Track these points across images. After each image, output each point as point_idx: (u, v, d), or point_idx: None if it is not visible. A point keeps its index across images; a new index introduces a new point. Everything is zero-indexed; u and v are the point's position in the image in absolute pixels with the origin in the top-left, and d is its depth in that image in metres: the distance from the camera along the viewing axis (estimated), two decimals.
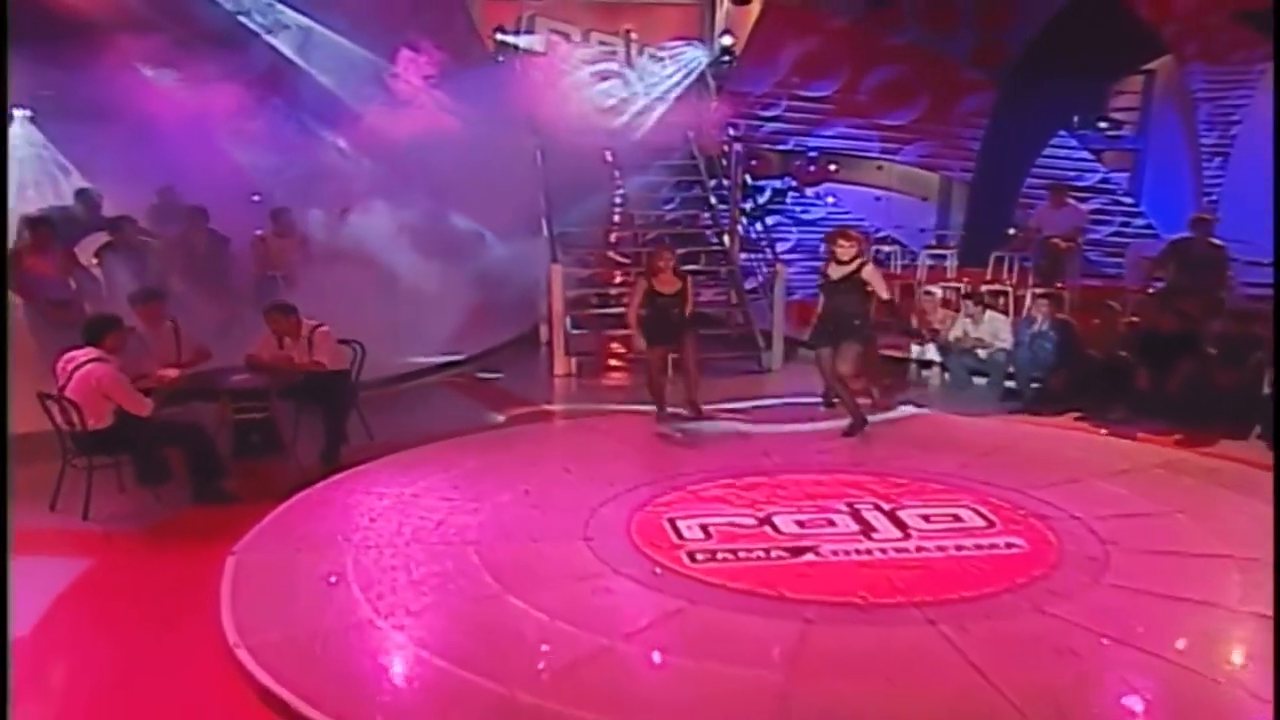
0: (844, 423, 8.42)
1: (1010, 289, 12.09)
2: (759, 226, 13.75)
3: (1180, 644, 4.76)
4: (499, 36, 15.21)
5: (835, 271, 8.15)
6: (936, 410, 9.49)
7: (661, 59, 15.55)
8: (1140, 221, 15.05)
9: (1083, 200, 14.40)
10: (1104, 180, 15.43)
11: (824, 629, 4.91)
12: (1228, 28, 13.59)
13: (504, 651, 4.66)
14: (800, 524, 6.24)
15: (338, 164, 12.85)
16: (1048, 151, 15.34)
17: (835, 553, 5.84)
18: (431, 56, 13.14)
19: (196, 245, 10.57)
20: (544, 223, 11.91)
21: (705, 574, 5.54)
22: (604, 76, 15.24)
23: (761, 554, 5.82)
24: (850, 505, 6.54)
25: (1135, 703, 4.31)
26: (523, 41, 15.27)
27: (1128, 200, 15.48)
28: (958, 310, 10.95)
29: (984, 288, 11.81)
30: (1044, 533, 6.12)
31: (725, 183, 13.63)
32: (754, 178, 15.14)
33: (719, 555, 5.80)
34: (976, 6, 14.76)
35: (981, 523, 6.29)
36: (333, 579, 5.44)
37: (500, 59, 15.02)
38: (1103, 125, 15.41)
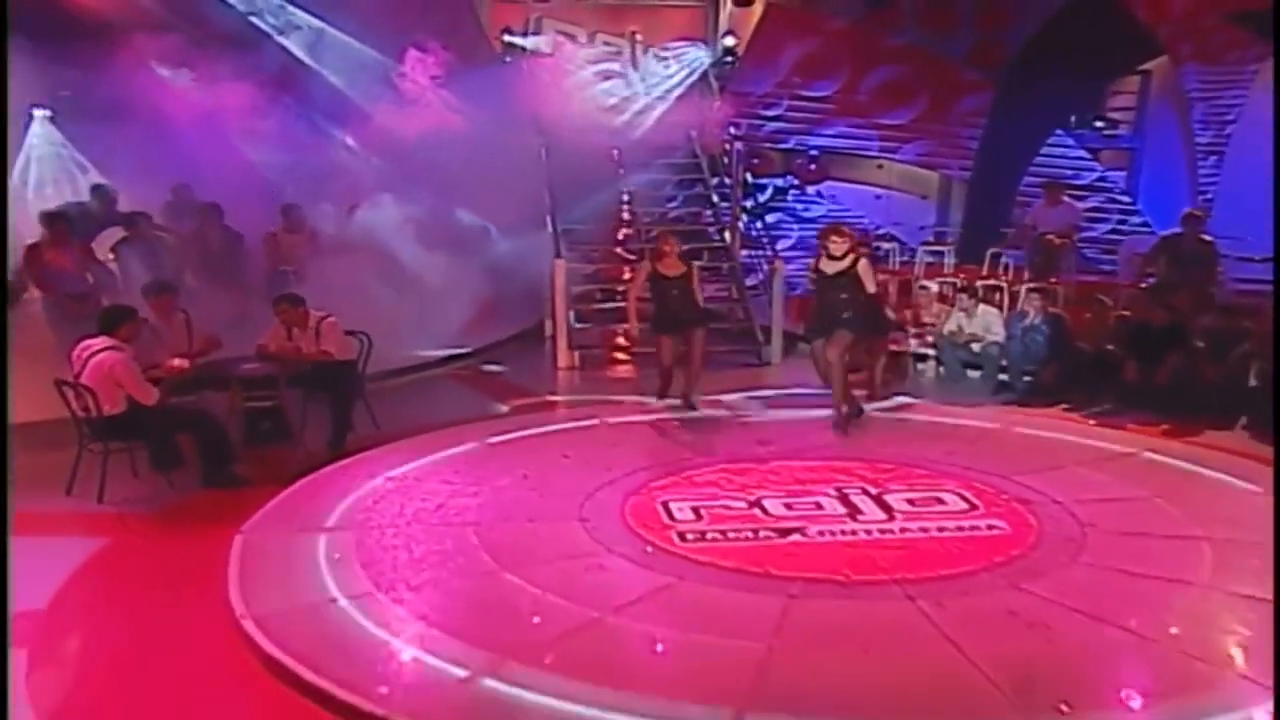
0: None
1: (1005, 284, 12.19)
2: (760, 224, 13.86)
3: (1149, 619, 4.86)
4: (506, 38, 15.36)
5: (829, 267, 8.17)
6: (929, 402, 9.58)
7: (665, 59, 15.67)
8: (1136, 219, 15.10)
9: (1080, 198, 14.51)
10: (1101, 179, 15.51)
11: (806, 604, 5.05)
12: (1222, 29, 13.67)
13: (498, 623, 4.82)
14: (789, 507, 6.38)
15: (347, 162, 13.02)
16: (1045, 150, 15.38)
17: (821, 533, 5.98)
18: (438, 57, 13.29)
19: (210, 241, 10.76)
20: (548, 219, 12.06)
21: (695, 553, 5.69)
22: (606, 76, 15.38)
23: (750, 534, 5.96)
24: (838, 489, 6.67)
25: (1101, 671, 4.42)
26: (529, 42, 15.41)
27: (1124, 198, 15.56)
28: (952, 305, 11.07)
29: (979, 283, 11.92)
30: (1025, 516, 6.24)
31: (727, 181, 13.75)
32: (755, 176, 15.23)
33: (709, 535, 5.94)
34: (975, 8, 14.82)
35: (964, 506, 6.42)
36: (336, 556, 5.61)
37: (507, 59, 15.16)
38: (1099, 124, 15.47)
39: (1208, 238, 11.34)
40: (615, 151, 14.45)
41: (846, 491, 6.63)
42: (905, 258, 14.36)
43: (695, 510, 6.31)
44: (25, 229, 10.21)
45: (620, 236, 13.65)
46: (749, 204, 14.19)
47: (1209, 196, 14.20)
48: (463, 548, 5.75)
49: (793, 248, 14.84)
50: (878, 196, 16.02)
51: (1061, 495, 6.56)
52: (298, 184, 11.65)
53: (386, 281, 10.72)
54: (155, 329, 8.00)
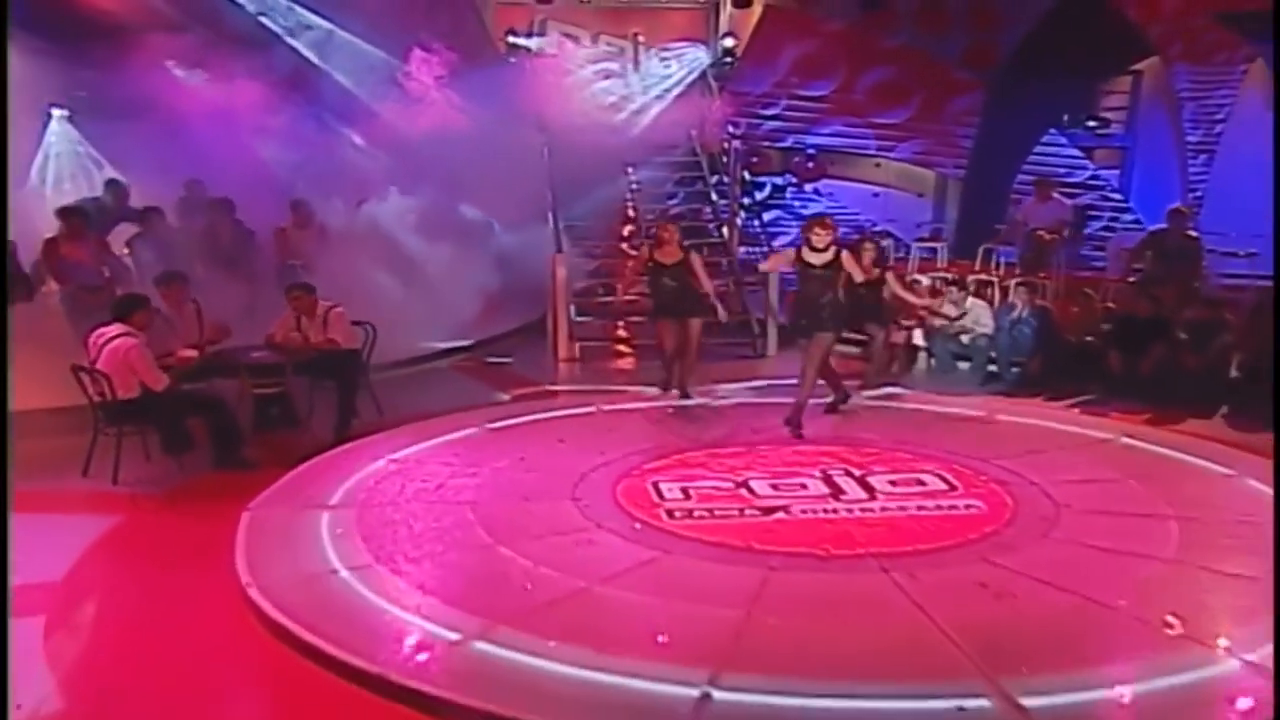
0: (827, 399, 8.70)
1: (996, 279, 12.35)
2: (758, 221, 14.03)
3: (1112, 590, 5.00)
4: (510, 39, 15.55)
5: (813, 258, 8.08)
6: (919, 391, 9.72)
7: (666, 60, 15.85)
8: (1129, 217, 15.23)
9: (1072, 196, 14.65)
10: (1093, 177, 15.65)
11: (785, 575, 5.22)
12: (1211, 29, 13.79)
13: (491, 591, 5.00)
14: (775, 487, 6.54)
15: (354, 159, 13.22)
16: (1038, 149, 15.54)
17: (804, 511, 6.15)
18: (443, 57, 13.50)
19: (221, 235, 10.96)
20: (550, 215, 12.24)
21: (681, 529, 5.87)
22: (607, 75, 15.56)
23: (735, 512, 6.13)
24: (823, 471, 6.84)
25: (1061, 637, 4.57)
26: (533, 43, 15.59)
27: (1116, 196, 15.69)
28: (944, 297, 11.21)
29: (970, 278, 12.07)
30: (1002, 496, 6.40)
31: (726, 179, 13.92)
32: (754, 174, 15.41)
33: (696, 513, 6.11)
34: (967, 9, 14.99)
35: (944, 487, 6.57)
36: (339, 531, 5.79)
37: (511, 60, 15.35)
38: (1091, 124, 15.61)
39: (1193, 233, 11.46)
40: (623, 153, 14.66)
41: (831, 473, 6.80)
42: (901, 254, 14.51)
43: (684, 490, 6.48)
44: (43, 224, 10.45)
45: (625, 233, 13.83)
46: (747, 201, 14.34)
47: (1199, 194, 14.33)
48: (459, 524, 5.93)
49: (791, 244, 14.96)
50: (875, 194, 16.20)
51: (1039, 477, 6.71)
52: (307, 180, 11.81)
53: (392, 275, 10.91)
54: (167, 318, 8.22)
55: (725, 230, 13.40)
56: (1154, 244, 11.40)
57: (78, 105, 12.58)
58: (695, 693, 4.05)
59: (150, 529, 6.36)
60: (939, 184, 16.18)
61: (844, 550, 5.54)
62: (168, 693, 4.34)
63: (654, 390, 9.19)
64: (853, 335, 10.01)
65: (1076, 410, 9.00)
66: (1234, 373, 9.34)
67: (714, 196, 14.04)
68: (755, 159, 15.44)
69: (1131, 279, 11.26)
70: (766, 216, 15.17)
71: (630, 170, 14.46)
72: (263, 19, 13.20)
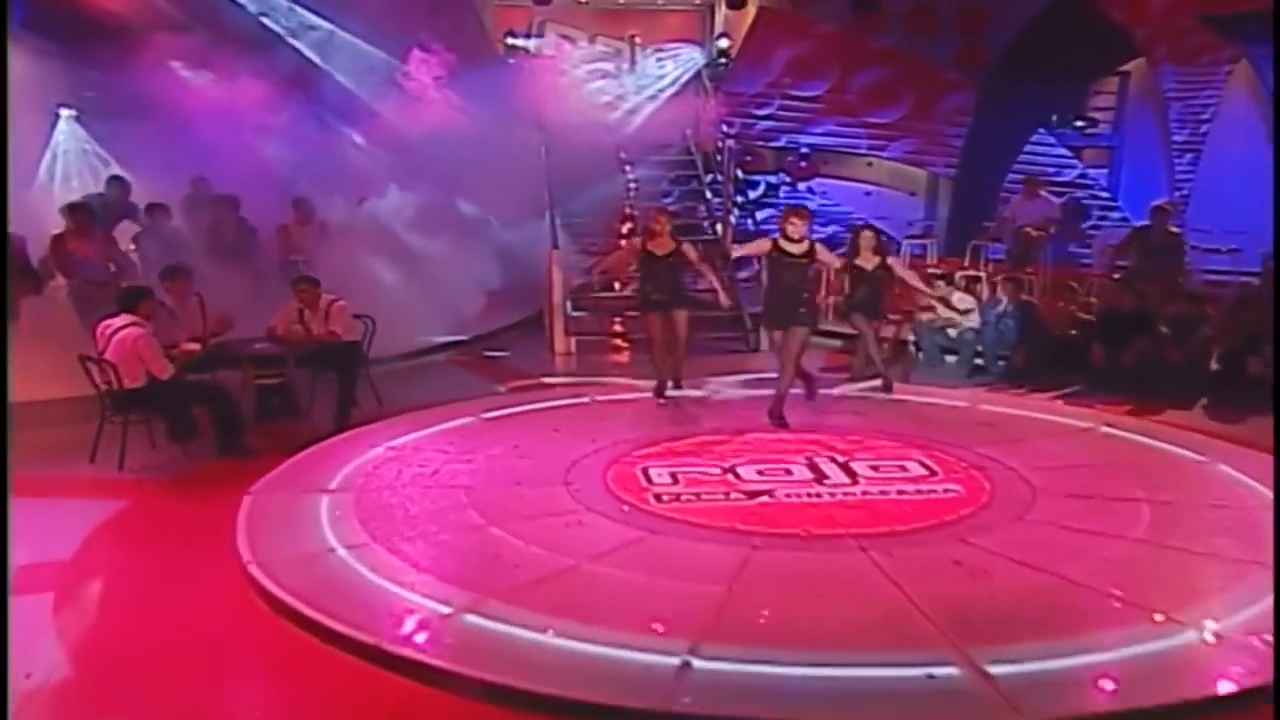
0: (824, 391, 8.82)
1: (984, 275, 12.47)
2: (752, 219, 14.15)
3: (1080, 567, 5.15)
4: (508, 40, 15.69)
5: (789, 248, 8.02)
6: (908, 383, 9.83)
7: (662, 61, 15.99)
8: (1117, 215, 15.38)
9: (1061, 195, 14.80)
10: (1082, 175, 15.79)
11: (767, 554, 5.35)
12: (1196, 31, 13.94)
13: (482, 569, 5.15)
14: (760, 473, 6.67)
15: (355, 157, 13.35)
16: (1028, 148, 15.70)
17: (788, 495, 6.28)
18: (442, 58, 13.64)
19: (225, 231, 11.10)
20: (547, 212, 12.38)
21: (668, 511, 6.00)
22: (603, 76, 15.70)
23: (721, 496, 6.27)
24: (808, 458, 6.97)
25: (1029, 610, 4.71)
26: (531, 45, 15.74)
27: (1104, 194, 15.83)
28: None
29: (958, 274, 12.19)
30: (980, 481, 6.53)
31: (720, 177, 14.06)
32: (748, 172, 15.53)
33: (683, 497, 6.24)
34: (957, 11, 15.16)
35: (924, 472, 6.71)
36: (337, 513, 5.93)
37: (510, 61, 15.49)
38: (1080, 123, 15.77)
39: (1175, 230, 11.60)
40: (620, 151, 14.80)
41: (815, 460, 6.93)
42: (893, 251, 14.62)
43: (673, 475, 6.62)
44: (51, 221, 10.60)
45: (624, 230, 13.97)
46: (741, 199, 14.47)
47: (1185, 193, 14.47)
48: (453, 507, 6.07)
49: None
50: (867, 193, 16.34)
51: (1018, 463, 6.85)
52: (308, 178, 11.91)
53: (391, 271, 11.04)
54: (171, 311, 8.34)
55: (719, 228, 13.53)
56: (1138, 240, 11.53)
57: (85, 105, 12.71)
58: (676, 661, 4.18)
59: (155, 512, 6.50)
60: (930, 182, 16.32)
61: (825, 531, 5.68)
62: (170, 663, 4.48)
63: (646, 383, 9.25)
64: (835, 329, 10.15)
65: (1060, 401, 9.11)
66: (1214, 365, 9.48)
67: (708, 195, 14.19)
68: (749, 158, 15.58)
69: (1116, 274, 11.40)
70: (760, 215, 15.25)
71: (628, 169, 14.60)
72: (265, 20, 13.31)
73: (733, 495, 6.28)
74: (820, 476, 6.61)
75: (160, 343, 7.54)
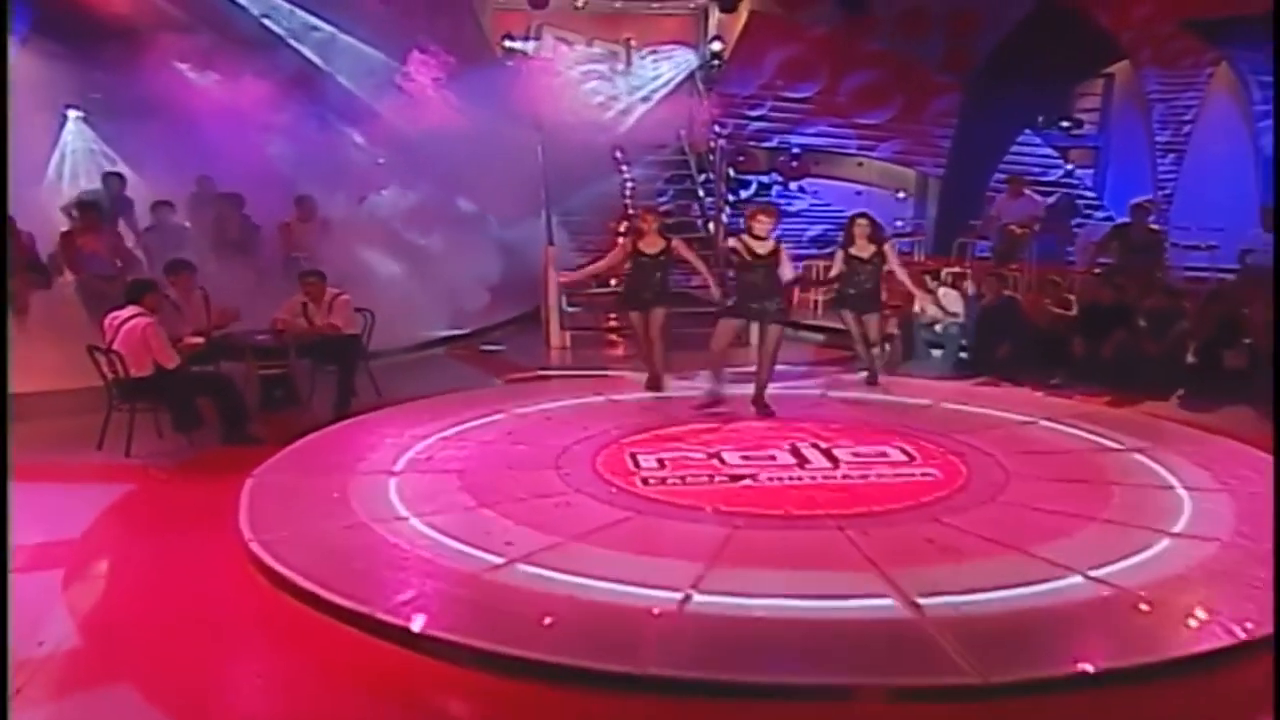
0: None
1: (970, 271, 12.62)
2: (744, 219, 14.28)
3: (1047, 544, 5.29)
4: (506, 43, 15.85)
5: (757, 247, 7.99)
6: (894, 376, 9.96)
7: (656, 63, 16.15)
8: (1102, 214, 15.53)
9: (1048, 194, 14.98)
10: (1067, 175, 15.95)
11: (747, 533, 5.49)
12: (1178, 35, 14.11)
13: (473, 545, 5.28)
14: (745, 458, 6.81)
15: (356, 156, 13.53)
16: (1014, 149, 15.87)
17: (771, 479, 6.42)
18: (441, 60, 13.80)
19: (229, 228, 11.27)
20: (543, 210, 12.54)
21: (654, 494, 6.15)
22: (599, 78, 15.86)
23: (706, 480, 6.40)
24: (791, 445, 7.11)
25: (993, 581, 4.85)
26: (529, 47, 15.89)
27: (1090, 193, 15.99)
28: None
29: (944, 270, 12.34)
30: (957, 465, 6.67)
31: (713, 177, 14.21)
32: (740, 172, 15.71)
33: (669, 480, 6.38)
34: (945, 15, 15.31)
35: (904, 458, 6.85)
36: (335, 494, 6.08)
37: (508, 63, 15.64)
38: (1065, 124, 15.94)
39: (1154, 227, 11.76)
40: (617, 151, 14.96)
41: (799, 446, 7.07)
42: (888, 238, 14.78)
43: (659, 461, 6.76)
44: (59, 218, 10.79)
45: (621, 228, 14.10)
46: (733, 198, 14.64)
47: (1169, 192, 14.64)
48: (446, 489, 6.21)
49: (777, 239, 15.25)
50: (858, 192, 16.48)
51: (994, 449, 6.99)
52: (310, 176, 12.08)
53: (391, 267, 11.20)
54: (175, 304, 8.51)
55: (712, 226, 13.68)
56: (1119, 237, 11.70)
57: (92, 106, 12.88)
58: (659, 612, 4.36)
59: (161, 495, 6.66)
60: (919, 182, 16.49)
61: (804, 511, 5.83)
62: (174, 632, 4.64)
63: (637, 376, 9.34)
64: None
65: (1041, 393, 9.25)
66: (1190, 358, 9.63)
67: (701, 194, 14.35)
68: (742, 158, 15.76)
69: (1098, 270, 11.55)
70: None
71: (625, 168, 14.76)
72: (267, 22, 13.46)
73: (717, 479, 6.41)
74: (802, 461, 6.76)
75: (165, 334, 7.71)
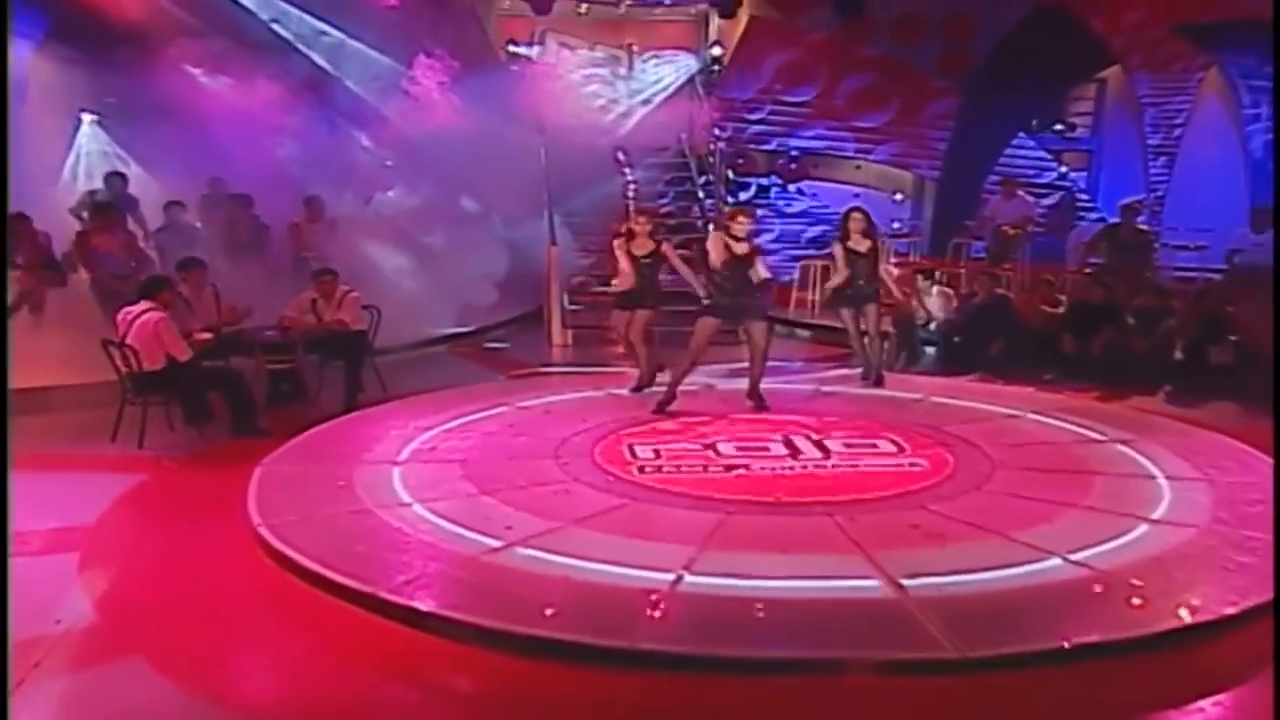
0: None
1: (963, 271, 12.76)
2: None
3: (1028, 529, 5.40)
4: (510, 48, 16.00)
5: (736, 248, 8.00)
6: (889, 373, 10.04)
7: (658, 67, 16.29)
8: (1095, 215, 15.62)
9: (1042, 196, 15.09)
10: (1061, 177, 16.05)
11: (739, 518, 5.60)
12: (1169, 41, 14.23)
13: (473, 529, 5.40)
14: (739, 449, 6.93)
15: (363, 159, 13.66)
16: (1009, 151, 15.96)
17: (764, 469, 6.54)
18: (446, 64, 13.94)
19: (240, 228, 11.41)
20: (546, 211, 12.67)
21: (650, 482, 6.27)
22: (602, 82, 16.00)
23: (700, 469, 6.52)
24: (785, 436, 7.22)
25: (973, 562, 4.97)
26: (533, 52, 16.03)
27: (1084, 195, 16.08)
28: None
29: (939, 270, 12.45)
30: (945, 456, 6.78)
31: (713, 179, 14.35)
32: (739, 175, 15.82)
33: (665, 470, 6.50)
34: (942, 20, 15.42)
35: (894, 449, 6.97)
36: (341, 483, 6.20)
37: (512, 67, 15.79)
38: (1059, 128, 16.04)
39: (1143, 227, 11.87)
40: (620, 152, 15.09)
41: (792, 438, 7.18)
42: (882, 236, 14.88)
43: (655, 451, 6.88)
44: (71, 218, 10.96)
45: (623, 230, 14.19)
46: (733, 200, 14.75)
47: (1160, 194, 14.74)
48: (449, 477, 6.33)
49: (776, 240, 15.45)
50: (855, 194, 16.53)
51: (982, 441, 7.10)
52: (319, 178, 12.23)
53: (397, 266, 11.33)
54: (187, 301, 8.64)
55: (711, 227, 13.74)
56: (1109, 237, 11.80)
57: (107, 110, 13.03)
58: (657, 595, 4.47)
59: (173, 484, 6.79)
60: (916, 184, 16.59)
61: (795, 499, 5.94)
62: (184, 611, 4.77)
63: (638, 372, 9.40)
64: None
65: (1032, 389, 9.34)
66: (1178, 355, 9.73)
67: (701, 195, 14.47)
68: (741, 160, 15.87)
69: (1088, 269, 11.65)
70: None
71: (628, 170, 14.89)
72: (276, 27, 13.59)
73: (711, 469, 6.53)
74: (795, 452, 6.87)
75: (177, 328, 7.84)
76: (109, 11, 11.99)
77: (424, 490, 6.07)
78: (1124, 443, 7.11)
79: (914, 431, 7.36)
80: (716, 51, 16.32)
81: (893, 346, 10.70)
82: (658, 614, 4.44)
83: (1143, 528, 5.45)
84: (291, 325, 8.84)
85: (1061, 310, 10.62)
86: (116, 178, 11.83)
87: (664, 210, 14.71)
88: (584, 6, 16.06)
